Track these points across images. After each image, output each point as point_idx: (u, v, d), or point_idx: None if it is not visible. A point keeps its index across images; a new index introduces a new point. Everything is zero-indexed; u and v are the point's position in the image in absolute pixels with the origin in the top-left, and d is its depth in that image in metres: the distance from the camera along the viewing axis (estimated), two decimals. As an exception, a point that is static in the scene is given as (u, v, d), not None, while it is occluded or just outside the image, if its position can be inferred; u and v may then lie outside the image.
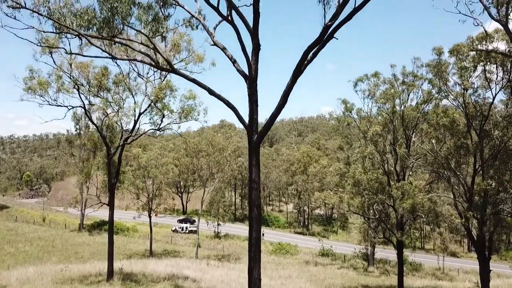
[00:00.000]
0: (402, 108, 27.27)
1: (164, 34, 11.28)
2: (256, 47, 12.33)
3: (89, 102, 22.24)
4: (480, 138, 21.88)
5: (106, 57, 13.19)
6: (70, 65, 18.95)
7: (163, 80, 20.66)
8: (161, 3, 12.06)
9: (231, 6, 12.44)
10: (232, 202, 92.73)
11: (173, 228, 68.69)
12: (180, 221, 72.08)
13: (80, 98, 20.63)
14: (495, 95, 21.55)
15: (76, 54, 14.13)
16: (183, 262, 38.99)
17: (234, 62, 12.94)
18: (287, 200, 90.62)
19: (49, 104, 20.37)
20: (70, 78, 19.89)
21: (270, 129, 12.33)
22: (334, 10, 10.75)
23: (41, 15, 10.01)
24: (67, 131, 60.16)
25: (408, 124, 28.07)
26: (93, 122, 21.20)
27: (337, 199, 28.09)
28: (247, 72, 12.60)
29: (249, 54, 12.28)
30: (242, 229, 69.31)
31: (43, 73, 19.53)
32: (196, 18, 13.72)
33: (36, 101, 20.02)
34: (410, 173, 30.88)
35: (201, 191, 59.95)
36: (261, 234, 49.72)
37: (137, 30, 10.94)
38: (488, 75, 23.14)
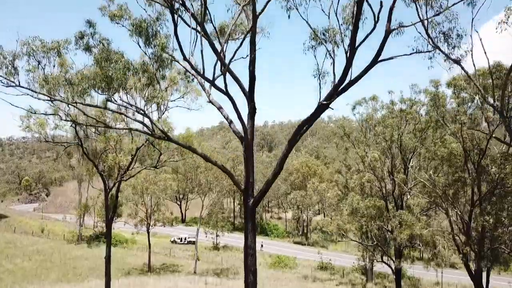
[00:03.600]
0: (401, 137, 27.24)
1: (160, 104, 11.27)
2: (252, 111, 12.31)
3: (87, 135, 22.18)
4: (478, 173, 21.86)
5: (100, 126, 13.16)
6: (68, 105, 18.89)
7: (160, 117, 20.56)
8: (157, 65, 12.05)
9: (224, 66, 12.42)
10: (231, 209, 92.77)
11: (172, 239, 68.69)
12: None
13: (77, 134, 20.58)
14: (493, 131, 21.50)
15: (72, 121, 14.09)
16: (182, 281, 38.99)
17: (230, 122, 12.92)
18: (286, 209, 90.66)
19: (46, 141, 20.33)
20: (66, 117, 19.81)
21: (266, 194, 12.32)
22: (329, 84, 10.72)
23: (35, 92, 10.00)
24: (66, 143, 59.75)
25: (406, 152, 28.07)
26: (90, 159, 21.12)
27: (335, 226, 28.09)
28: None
29: (245, 119, 12.25)
30: (241, 240, 69.27)
31: (41, 109, 19.53)
32: (192, 74, 13.70)
33: (33, 138, 20.00)
34: (409, 196, 30.90)
35: (200, 199, 59.97)
36: (260, 245, 49.36)
37: (131, 105, 10.92)
38: (485, 105, 23.12)
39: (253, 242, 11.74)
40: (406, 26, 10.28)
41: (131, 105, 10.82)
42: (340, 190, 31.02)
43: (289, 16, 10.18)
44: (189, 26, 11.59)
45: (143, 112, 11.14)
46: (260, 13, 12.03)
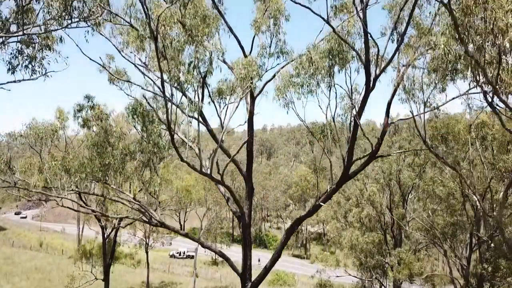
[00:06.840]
0: (399, 174, 27.23)
1: (155, 191, 11.26)
2: (250, 190, 12.29)
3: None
4: (477, 219, 21.82)
5: (97, 215, 13.16)
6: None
7: (159, 163, 20.55)
8: (155, 150, 12.01)
9: (229, 157, 12.39)
10: (230, 219, 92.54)
11: (171, 253, 68.67)
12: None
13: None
14: (491, 177, 21.43)
15: (70, 199, 14.08)
16: (180, 306, 38.94)
17: (227, 200, 12.90)
18: (285, 219, 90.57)
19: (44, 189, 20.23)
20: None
21: (264, 279, 12.30)
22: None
23: (31, 191, 9.97)
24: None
25: (404, 187, 28.07)
26: (87, 205, 21.03)
27: (334, 260, 28.12)
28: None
29: (242, 202, 12.22)
30: (239, 253, 69.20)
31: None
32: (190, 147, 13.63)
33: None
34: (407, 228, 30.88)
35: (199, 209, 59.78)
36: (257, 260, 49.20)
37: (129, 201, 10.89)
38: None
39: (250, 326, 11.70)
40: (405, 119, 10.26)
41: (130, 201, 10.82)
42: (339, 221, 31.12)
43: (287, 112, 10.18)
44: (184, 113, 11.57)
45: (139, 203, 11.15)
46: (257, 95, 12.02)
